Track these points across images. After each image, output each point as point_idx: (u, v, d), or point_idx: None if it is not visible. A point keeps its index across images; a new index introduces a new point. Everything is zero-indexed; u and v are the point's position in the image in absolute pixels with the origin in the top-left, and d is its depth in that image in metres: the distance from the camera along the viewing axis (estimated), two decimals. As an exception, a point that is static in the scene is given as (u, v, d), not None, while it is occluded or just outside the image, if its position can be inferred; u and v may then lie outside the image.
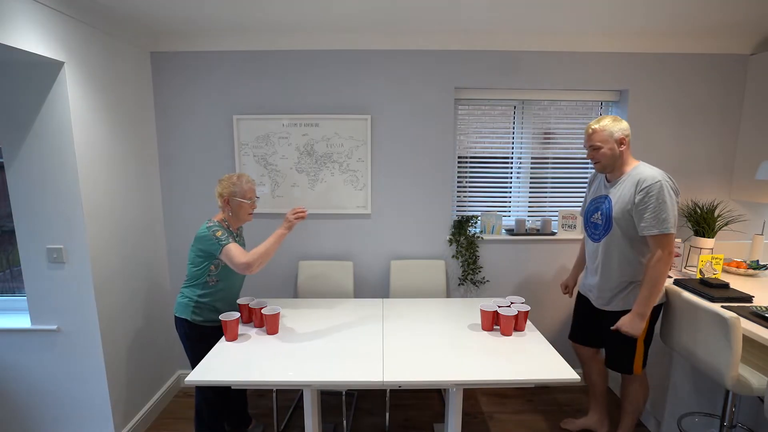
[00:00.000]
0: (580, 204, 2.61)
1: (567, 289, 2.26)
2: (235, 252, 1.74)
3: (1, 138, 1.82)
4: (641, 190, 1.70)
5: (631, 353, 1.86)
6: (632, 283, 1.83)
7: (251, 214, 1.93)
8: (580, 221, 2.56)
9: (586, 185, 2.15)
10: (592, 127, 1.82)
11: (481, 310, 1.89)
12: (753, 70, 2.41)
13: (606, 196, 1.86)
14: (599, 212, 1.88)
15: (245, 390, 2.28)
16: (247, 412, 2.24)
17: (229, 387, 2.18)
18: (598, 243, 1.90)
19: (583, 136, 2.59)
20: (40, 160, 1.83)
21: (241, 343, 1.75)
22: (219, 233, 1.78)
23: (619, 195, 1.79)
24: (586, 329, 2.08)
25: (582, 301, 2.10)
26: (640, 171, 1.75)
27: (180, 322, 1.89)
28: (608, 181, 1.88)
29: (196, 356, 1.88)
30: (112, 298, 2.07)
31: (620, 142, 1.78)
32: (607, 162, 1.81)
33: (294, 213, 1.81)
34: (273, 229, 2.57)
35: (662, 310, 1.91)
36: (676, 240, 2.41)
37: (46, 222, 1.88)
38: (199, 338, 1.88)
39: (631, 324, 1.76)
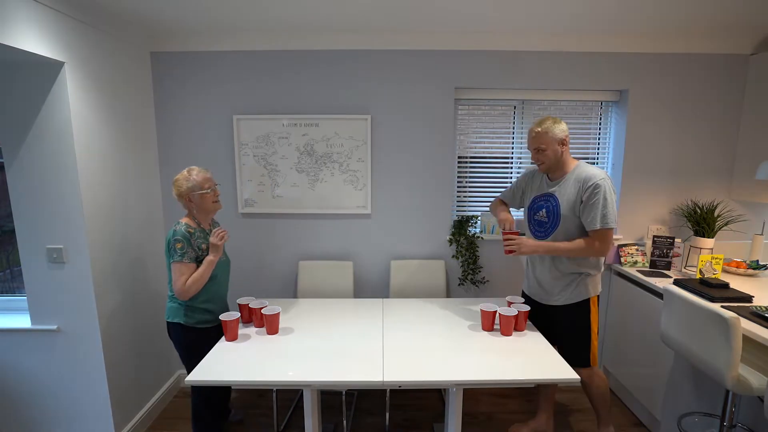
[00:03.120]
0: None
1: (508, 222, 1.98)
2: (177, 273, 1.75)
3: (1, 138, 1.82)
4: (587, 188, 1.75)
5: (586, 346, 1.89)
6: (580, 275, 1.87)
7: (216, 202, 1.90)
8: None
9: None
10: (536, 130, 1.83)
11: (481, 310, 1.89)
12: (753, 70, 2.41)
13: (552, 195, 1.88)
14: (544, 210, 1.90)
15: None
16: (227, 403, 2.16)
17: (230, 387, 2.18)
18: (545, 239, 1.90)
19: (583, 136, 2.61)
20: (40, 160, 1.83)
21: (241, 343, 1.75)
22: (179, 245, 1.76)
23: (566, 193, 1.82)
24: (538, 329, 2.02)
25: (531, 305, 2.02)
26: (584, 170, 1.81)
27: (174, 327, 1.85)
28: (550, 180, 1.91)
29: (192, 361, 1.81)
30: (112, 298, 2.07)
31: (562, 142, 1.82)
32: (551, 163, 1.85)
33: (217, 235, 1.81)
34: (273, 229, 2.58)
35: (599, 304, 1.94)
36: (677, 240, 2.43)
37: (46, 222, 1.88)
38: (195, 341, 1.85)
39: (525, 242, 1.82)
